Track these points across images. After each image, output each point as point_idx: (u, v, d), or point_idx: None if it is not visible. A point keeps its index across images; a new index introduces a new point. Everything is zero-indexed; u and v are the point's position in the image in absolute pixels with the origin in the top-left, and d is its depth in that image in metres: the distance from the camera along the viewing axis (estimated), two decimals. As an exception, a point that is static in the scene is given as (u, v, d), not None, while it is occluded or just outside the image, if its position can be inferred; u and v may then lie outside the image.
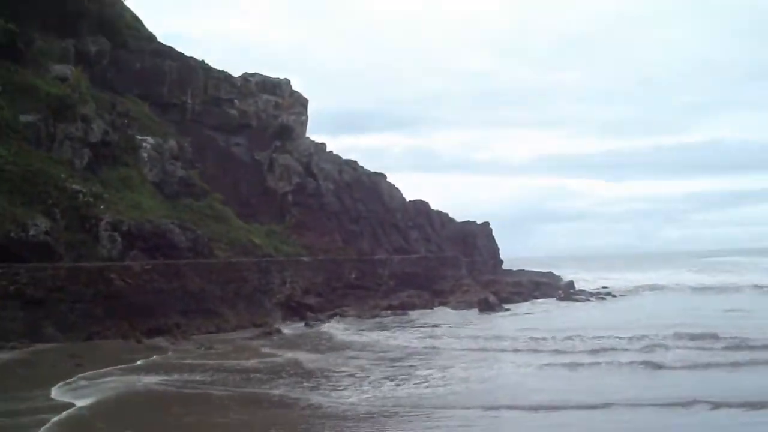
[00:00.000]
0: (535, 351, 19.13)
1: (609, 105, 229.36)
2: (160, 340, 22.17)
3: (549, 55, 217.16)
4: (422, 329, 25.58)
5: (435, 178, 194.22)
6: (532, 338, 21.32)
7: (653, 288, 44.04)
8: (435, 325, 26.83)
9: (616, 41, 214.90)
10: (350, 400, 13.44)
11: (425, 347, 20.72)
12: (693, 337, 19.65)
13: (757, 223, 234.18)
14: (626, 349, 18.48)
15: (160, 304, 24.16)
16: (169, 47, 36.90)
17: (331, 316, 30.11)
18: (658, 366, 16.02)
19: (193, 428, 11.95)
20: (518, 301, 36.44)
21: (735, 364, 15.91)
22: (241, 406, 13.30)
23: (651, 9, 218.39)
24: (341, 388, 14.71)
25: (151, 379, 15.62)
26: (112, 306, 22.96)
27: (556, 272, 55.62)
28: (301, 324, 27.82)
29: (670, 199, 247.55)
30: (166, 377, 15.93)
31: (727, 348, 18.01)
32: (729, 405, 12.05)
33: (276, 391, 14.37)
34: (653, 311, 30.30)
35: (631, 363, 16.38)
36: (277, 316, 28.62)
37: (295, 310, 29.94)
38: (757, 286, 38.62)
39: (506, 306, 33.83)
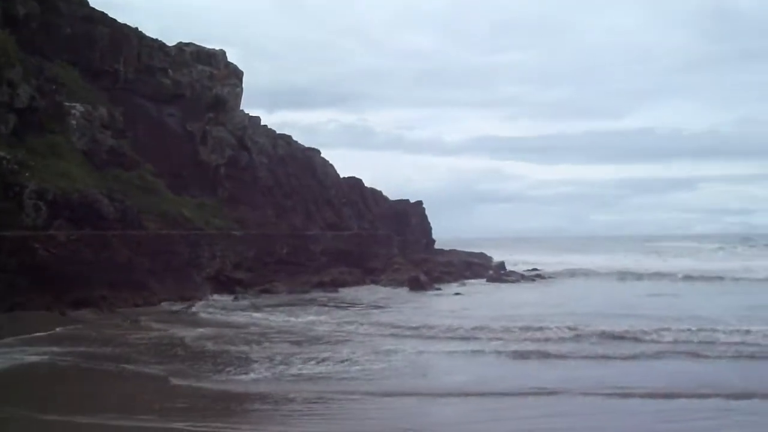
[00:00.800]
0: (434, 338, 18.33)
1: (546, 88, 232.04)
2: (85, 313, 21.75)
3: (488, 36, 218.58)
4: (341, 311, 24.68)
5: (370, 156, 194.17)
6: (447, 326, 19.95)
7: (581, 272, 44.55)
8: (352, 305, 26.73)
9: (555, 25, 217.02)
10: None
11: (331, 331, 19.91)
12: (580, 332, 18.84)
13: (686, 210, 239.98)
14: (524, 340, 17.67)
15: (86, 275, 23.55)
16: (102, 13, 35.83)
17: (261, 291, 29.95)
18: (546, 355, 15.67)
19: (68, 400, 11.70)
20: (449, 281, 36.70)
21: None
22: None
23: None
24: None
25: (55, 350, 15.50)
26: (36, 277, 22.33)
27: (488, 253, 56.11)
28: (230, 298, 27.70)
29: (602, 183, 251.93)
30: (70, 349, 15.77)
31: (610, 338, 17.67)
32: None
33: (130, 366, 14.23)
34: (571, 296, 30.18)
35: (514, 352, 15.91)
36: (207, 290, 28.35)
37: (224, 285, 29.70)
38: (687, 276, 38.68)
39: (437, 285, 34.07)
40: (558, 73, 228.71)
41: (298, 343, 17.21)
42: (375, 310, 24.95)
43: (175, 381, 12.91)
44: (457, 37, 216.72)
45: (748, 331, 17.73)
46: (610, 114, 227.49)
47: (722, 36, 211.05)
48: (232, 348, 16.55)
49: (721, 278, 37.49)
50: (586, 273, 42.62)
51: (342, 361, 14.88)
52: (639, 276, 40.12)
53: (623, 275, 40.86)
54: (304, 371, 13.88)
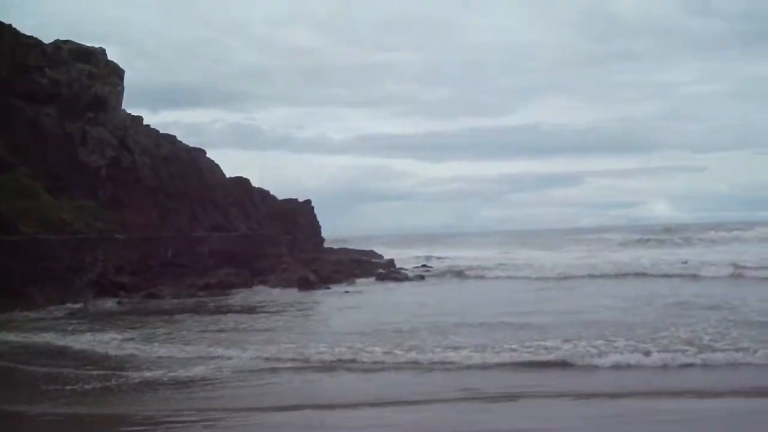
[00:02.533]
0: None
1: (432, 87, 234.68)
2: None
3: (373, 35, 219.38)
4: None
5: (258, 156, 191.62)
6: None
7: (472, 269, 45.08)
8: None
9: (439, 24, 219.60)
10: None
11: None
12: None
13: (572, 204, 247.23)
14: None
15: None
16: (-28, 9, 34.41)
17: (146, 296, 29.33)
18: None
19: None
20: (339, 280, 36.59)
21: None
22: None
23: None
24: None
25: None
26: None
27: (379, 251, 56.48)
28: (114, 302, 27.14)
29: (491, 180, 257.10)
30: None
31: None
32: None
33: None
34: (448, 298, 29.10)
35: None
36: (89, 295, 27.63)
37: (108, 289, 28.97)
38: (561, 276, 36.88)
39: (327, 285, 34.02)
40: (443, 72, 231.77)
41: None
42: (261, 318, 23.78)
43: None
44: (342, 36, 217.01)
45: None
46: (496, 111, 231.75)
47: (603, 36, 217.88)
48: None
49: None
50: (475, 269, 42.76)
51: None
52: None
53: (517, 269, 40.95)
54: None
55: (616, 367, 13.68)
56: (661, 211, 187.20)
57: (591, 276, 36.01)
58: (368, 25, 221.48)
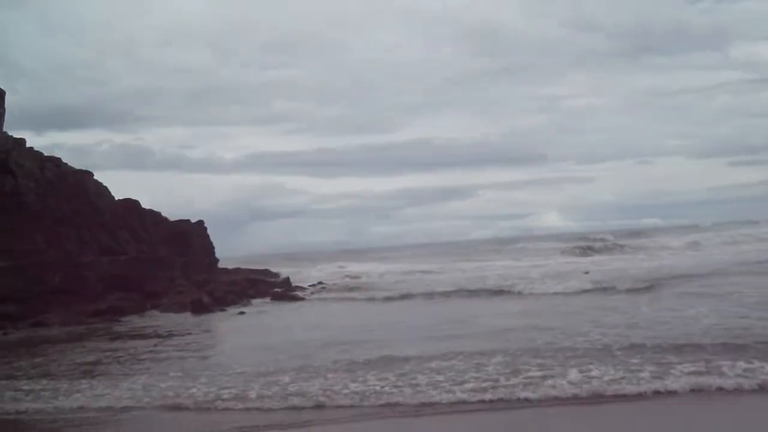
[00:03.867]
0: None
1: (323, 104, 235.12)
2: None
3: (260, 54, 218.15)
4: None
5: (148, 177, 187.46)
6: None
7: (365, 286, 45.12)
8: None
9: (326, 43, 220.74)
10: None
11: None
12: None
13: (463, 217, 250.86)
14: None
15: None
16: None
17: (32, 324, 28.33)
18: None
19: None
20: (234, 301, 36.11)
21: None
22: None
23: (362, 12, 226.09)
24: None
25: None
26: None
27: (275, 269, 56.10)
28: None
29: (382, 195, 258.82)
30: None
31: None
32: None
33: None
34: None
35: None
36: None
37: (-9, 320, 27.82)
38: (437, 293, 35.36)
39: (222, 307, 33.54)
40: (333, 90, 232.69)
41: None
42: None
43: None
44: (229, 55, 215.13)
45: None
46: (386, 128, 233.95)
47: (488, 51, 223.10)
48: None
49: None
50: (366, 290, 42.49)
51: None
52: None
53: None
54: None
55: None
56: (551, 221, 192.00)
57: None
58: (256, 44, 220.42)
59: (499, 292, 33.60)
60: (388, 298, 34.93)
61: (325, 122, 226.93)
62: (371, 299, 35.39)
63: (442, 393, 13.13)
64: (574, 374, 13.70)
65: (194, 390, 14.71)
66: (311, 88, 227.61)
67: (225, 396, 14.07)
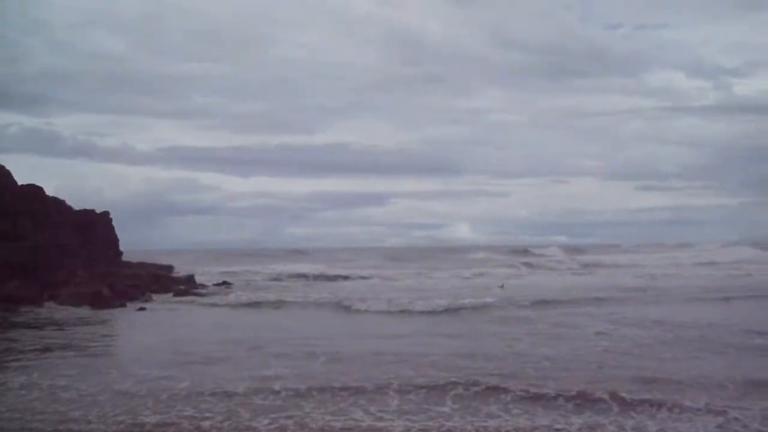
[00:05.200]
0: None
1: (241, 101, 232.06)
2: None
3: (181, 45, 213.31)
4: None
5: (57, 163, 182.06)
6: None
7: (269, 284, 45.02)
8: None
9: (248, 38, 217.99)
10: None
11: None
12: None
13: (378, 224, 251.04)
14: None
15: None
16: None
17: None
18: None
19: None
20: (135, 295, 35.50)
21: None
22: None
23: (289, 9, 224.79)
24: None
25: None
26: None
27: (181, 265, 55.39)
28: None
29: (297, 197, 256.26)
30: None
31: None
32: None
33: None
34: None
35: None
36: None
37: None
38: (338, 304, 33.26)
39: (123, 301, 32.91)
40: (251, 86, 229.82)
41: None
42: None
43: None
44: (149, 44, 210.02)
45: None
46: (304, 129, 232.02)
47: (411, 60, 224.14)
48: None
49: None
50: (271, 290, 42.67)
51: None
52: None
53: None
54: None
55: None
56: (463, 233, 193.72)
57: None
58: (176, 34, 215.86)
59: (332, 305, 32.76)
60: (268, 304, 34.20)
61: (243, 119, 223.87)
62: (234, 306, 33.92)
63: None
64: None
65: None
66: (231, 84, 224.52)
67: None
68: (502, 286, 40.43)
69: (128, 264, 49.26)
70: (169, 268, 51.94)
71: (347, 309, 31.10)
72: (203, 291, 39.76)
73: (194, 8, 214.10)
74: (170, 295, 37.70)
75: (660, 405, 13.15)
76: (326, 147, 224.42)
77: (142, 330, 25.55)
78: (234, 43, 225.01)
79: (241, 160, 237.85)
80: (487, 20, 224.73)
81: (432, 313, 28.95)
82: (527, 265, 70.71)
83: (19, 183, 42.39)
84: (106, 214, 49.15)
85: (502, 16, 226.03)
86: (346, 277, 53.28)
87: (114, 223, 49.91)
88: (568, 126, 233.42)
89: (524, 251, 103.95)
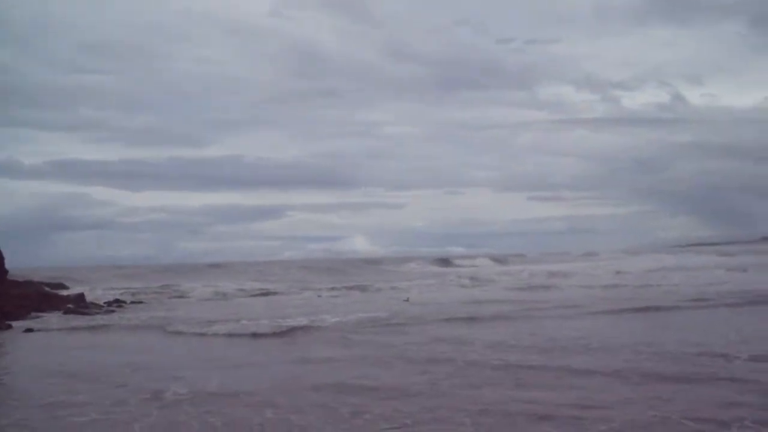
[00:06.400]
0: None
1: (133, 113, 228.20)
2: None
3: (72, 56, 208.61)
4: None
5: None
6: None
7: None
8: None
9: (141, 51, 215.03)
10: None
11: None
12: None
13: (273, 237, 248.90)
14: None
15: None
16: None
17: None
18: None
19: None
20: (23, 315, 34.59)
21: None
22: None
23: (184, 22, 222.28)
24: None
25: None
26: None
27: (72, 283, 54.17)
28: None
29: (191, 211, 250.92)
30: None
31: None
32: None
33: None
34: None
35: None
36: None
37: None
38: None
39: (9, 322, 32.00)
40: (143, 99, 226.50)
41: None
42: None
43: None
44: (37, 54, 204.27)
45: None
46: (196, 142, 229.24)
47: (306, 73, 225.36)
48: None
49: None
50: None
51: None
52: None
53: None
54: None
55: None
56: (360, 245, 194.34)
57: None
58: (65, 45, 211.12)
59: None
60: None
61: (135, 132, 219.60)
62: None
63: None
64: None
65: None
66: (123, 96, 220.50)
67: None
68: (407, 300, 40.60)
69: (15, 283, 47.85)
70: (60, 286, 50.77)
71: (166, 331, 28.77)
72: (95, 310, 38.93)
73: (84, 20, 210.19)
74: (59, 312, 36.88)
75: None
76: (219, 160, 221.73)
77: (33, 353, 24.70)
78: (126, 56, 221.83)
79: (134, 174, 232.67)
80: (382, 34, 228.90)
81: (270, 335, 25.94)
82: (465, 277, 67.12)
83: None
84: (-9, 231, 47.80)
85: (397, 29, 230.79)
86: (269, 293, 52.47)
87: (-1, 239, 48.53)
88: (462, 138, 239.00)
89: (445, 261, 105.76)
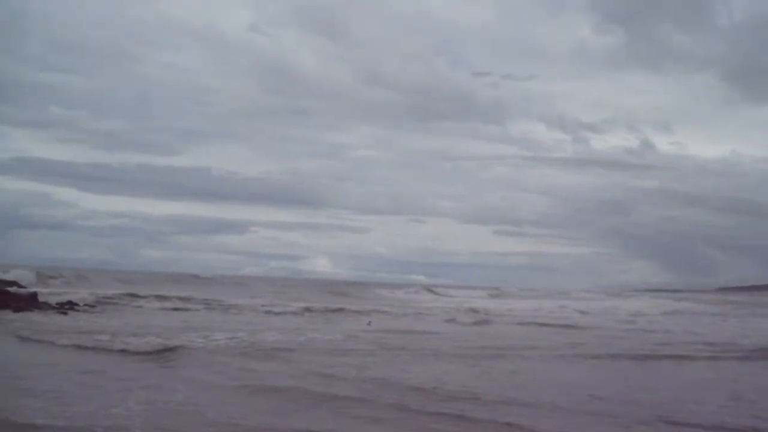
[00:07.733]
0: None
1: (102, 116, 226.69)
2: None
3: (43, 54, 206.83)
4: None
5: None
6: None
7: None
8: None
9: (114, 53, 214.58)
10: None
11: None
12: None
13: (235, 252, 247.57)
14: None
15: None
16: None
17: None
18: None
19: None
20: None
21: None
22: None
23: (160, 29, 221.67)
24: None
25: None
26: None
27: (27, 282, 53.59)
28: None
29: (154, 219, 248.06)
30: None
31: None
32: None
33: None
34: None
35: None
36: None
37: None
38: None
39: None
40: (114, 102, 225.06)
41: None
42: None
43: None
44: (5, 50, 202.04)
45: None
46: (164, 150, 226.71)
47: (279, 90, 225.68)
48: None
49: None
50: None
51: None
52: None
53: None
54: None
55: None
56: (322, 266, 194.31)
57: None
58: (36, 42, 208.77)
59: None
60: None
61: (102, 135, 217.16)
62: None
63: None
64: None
65: None
66: (93, 98, 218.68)
67: None
68: (369, 323, 39.98)
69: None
70: (14, 284, 50.15)
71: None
72: (45, 309, 38.51)
73: (56, 18, 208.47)
74: (9, 311, 36.45)
75: None
76: (186, 170, 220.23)
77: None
78: (98, 57, 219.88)
79: (99, 177, 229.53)
80: (358, 56, 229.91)
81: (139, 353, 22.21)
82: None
83: None
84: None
85: (375, 54, 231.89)
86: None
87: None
88: (431, 167, 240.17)
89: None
